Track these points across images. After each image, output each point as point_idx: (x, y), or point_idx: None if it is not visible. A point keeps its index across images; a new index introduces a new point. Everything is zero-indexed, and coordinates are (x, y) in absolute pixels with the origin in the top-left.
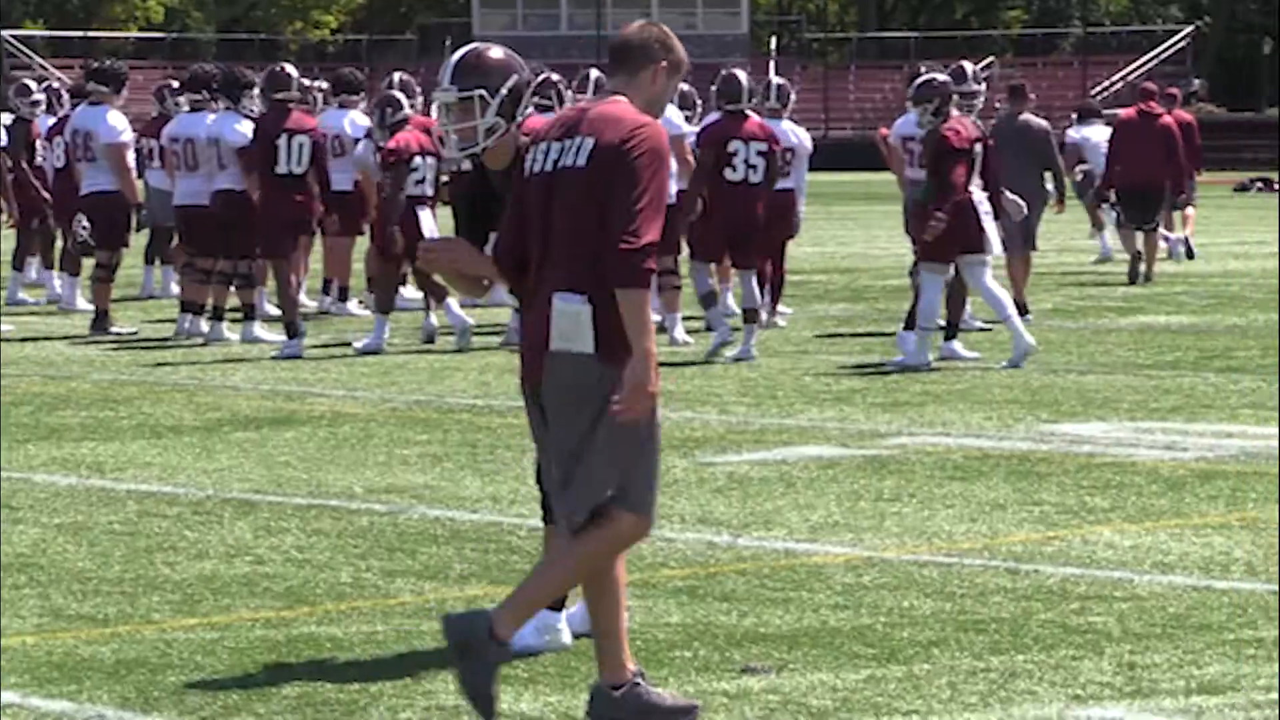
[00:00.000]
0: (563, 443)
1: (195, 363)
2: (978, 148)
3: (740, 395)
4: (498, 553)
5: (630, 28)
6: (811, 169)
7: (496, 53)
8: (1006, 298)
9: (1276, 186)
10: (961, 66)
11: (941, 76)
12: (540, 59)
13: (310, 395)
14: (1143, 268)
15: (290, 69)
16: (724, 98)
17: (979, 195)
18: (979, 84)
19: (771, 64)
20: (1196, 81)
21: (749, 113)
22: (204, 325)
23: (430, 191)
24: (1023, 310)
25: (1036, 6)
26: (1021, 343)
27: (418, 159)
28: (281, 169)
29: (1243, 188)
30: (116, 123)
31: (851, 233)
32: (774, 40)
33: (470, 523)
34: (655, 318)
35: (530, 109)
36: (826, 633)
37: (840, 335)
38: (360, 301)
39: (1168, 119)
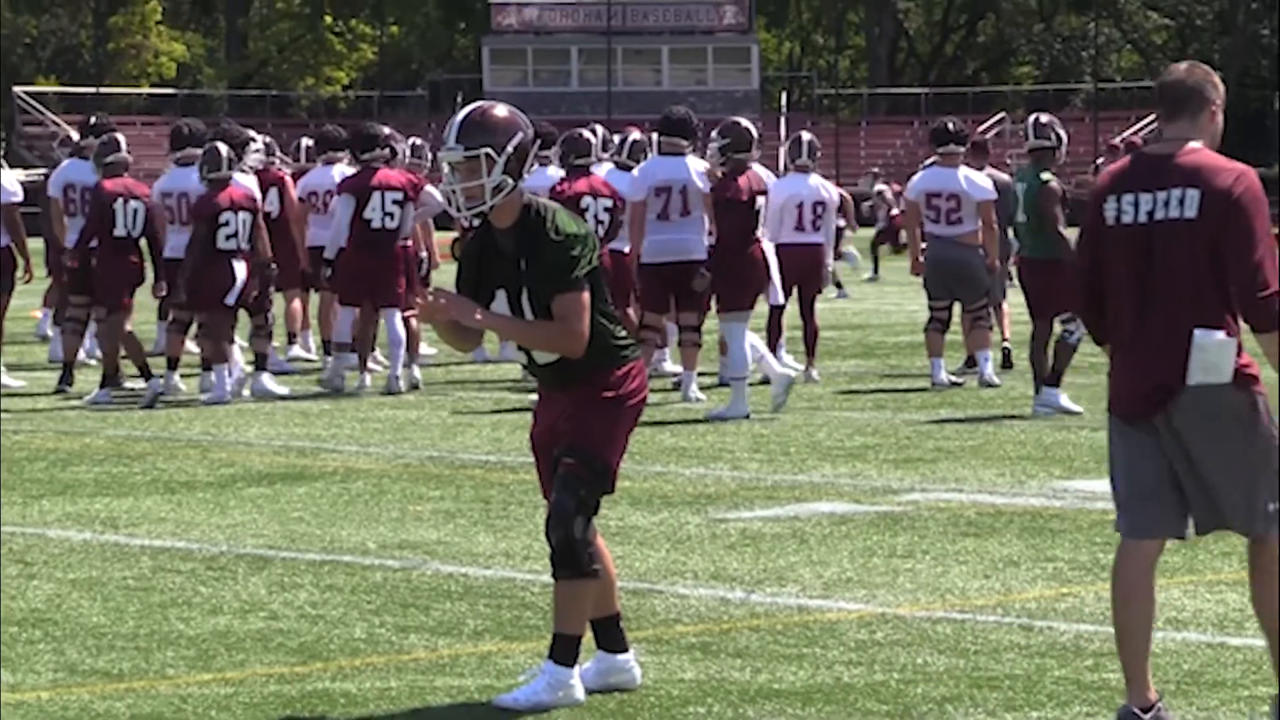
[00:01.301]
0: (1226, 469)
1: (209, 418)
2: (760, 200)
3: (753, 452)
4: (511, 609)
5: (1177, 72)
6: None
7: (501, 111)
8: (747, 363)
9: None
10: (1039, 118)
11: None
12: (551, 115)
13: (323, 451)
14: None
15: (120, 136)
16: (572, 153)
17: (768, 246)
18: (1046, 138)
19: (782, 120)
20: None
21: (593, 170)
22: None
23: (244, 246)
24: (1007, 360)
25: (1048, 63)
26: (740, 405)
27: (227, 214)
28: (120, 231)
29: None
30: None
31: (863, 288)
32: (784, 96)
33: (483, 579)
34: (674, 368)
35: (535, 165)
36: (840, 689)
37: (853, 392)
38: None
39: None
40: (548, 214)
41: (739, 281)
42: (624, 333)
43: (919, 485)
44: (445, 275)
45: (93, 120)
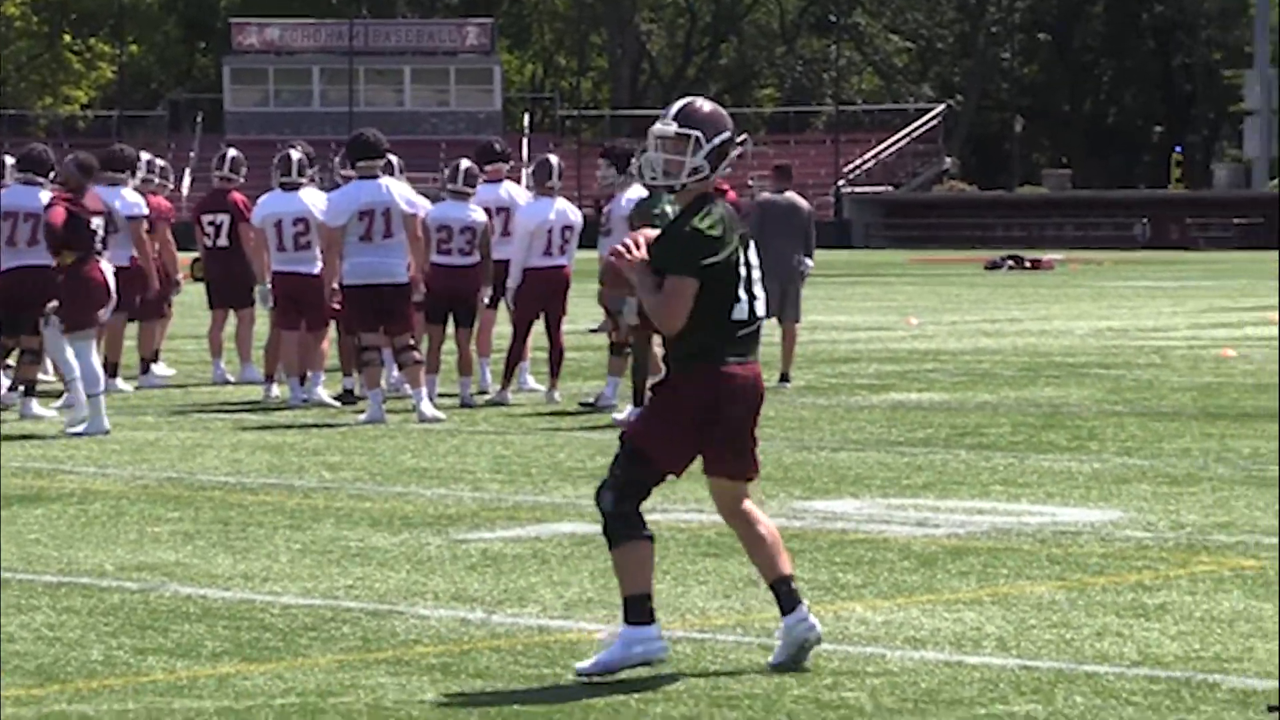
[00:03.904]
0: None
1: None
2: (96, 220)
3: (494, 472)
4: (250, 630)
5: None
6: None
7: (713, 106)
8: (99, 379)
9: (1028, 264)
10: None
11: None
12: (292, 135)
13: (60, 472)
14: None
15: None
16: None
17: (106, 267)
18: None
19: (525, 141)
20: (948, 160)
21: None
22: None
23: None
24: (784, 379)
25: (789, 85)
26: (98, 421)
27: None
28: None
29: (994, 265)
30: None
31: (598, 313)
32: (527, 117)
33: (222, 600)
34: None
35: (729, 169)
36: (581, 709)
37: (595, 412)
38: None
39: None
40: (704, 207)
41: (79, 300)
42: (709, 344)
43: (659, 505)
44: (182, 295)
45: None
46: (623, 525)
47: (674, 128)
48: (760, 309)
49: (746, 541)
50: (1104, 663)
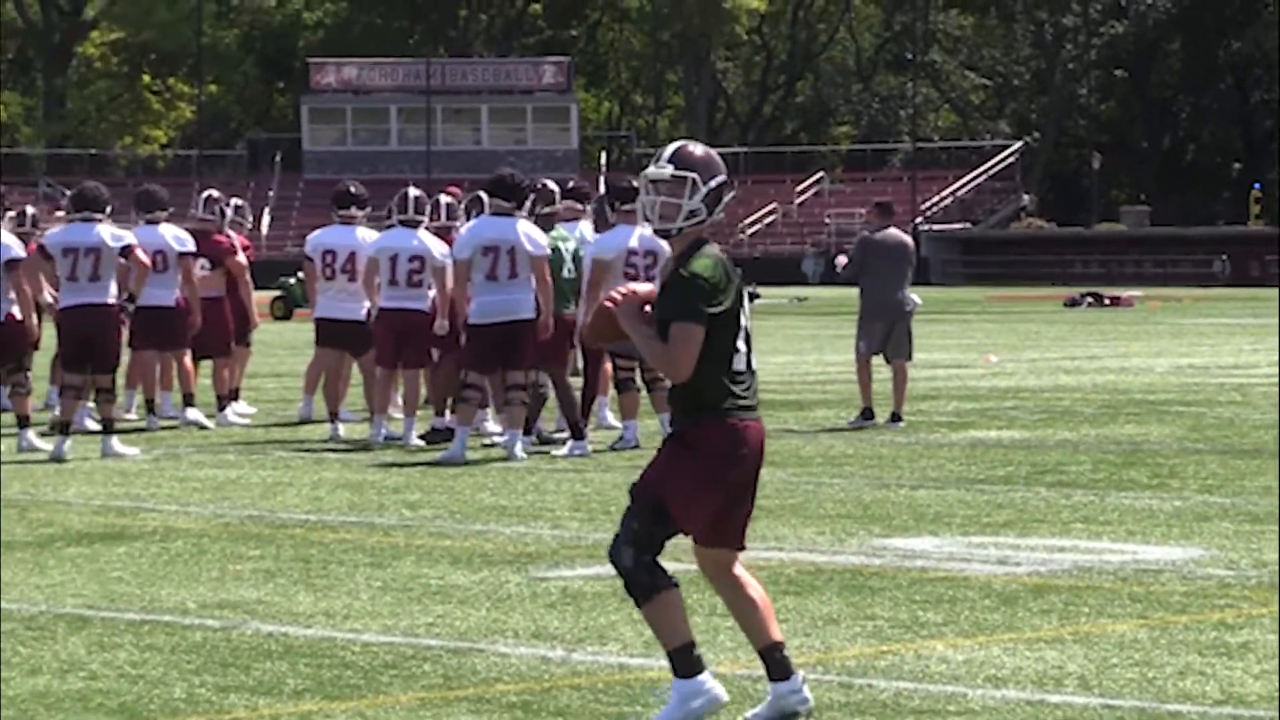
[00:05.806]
0: None
1: (27, 477)
2: None
3: (573, 510)
4: (331, 668)
5: None
6: None
7: (703, 149)
8: None
9: (1107, 301)
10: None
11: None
12: (370, 174)
13: (142, 510)
14: None
15: None
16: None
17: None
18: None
19: (601, 179)
20: (1026, 197)
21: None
22: (34, 438)
23: None
24: (895, 418)
25: (866, 122)
26: None
27: None
28: None
29: (1073, 302)
30: None
31: None
32: (604, 155)
33: (304, 638)
34: (495, 428)
35: (721, 214)
36: None
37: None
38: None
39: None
40: (697, 252)
41: None
42: (717, 394)
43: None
44: (263, 334)
45: None
46: (648, 578)
47: (669, 170)
48: (752, 362)
49: (734, 606)
50: (1187, 701)
